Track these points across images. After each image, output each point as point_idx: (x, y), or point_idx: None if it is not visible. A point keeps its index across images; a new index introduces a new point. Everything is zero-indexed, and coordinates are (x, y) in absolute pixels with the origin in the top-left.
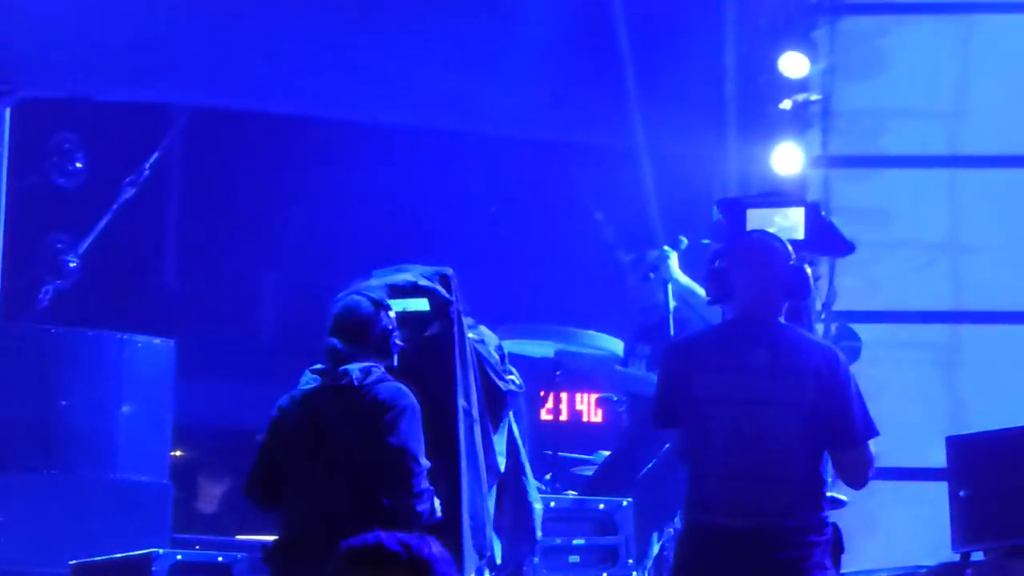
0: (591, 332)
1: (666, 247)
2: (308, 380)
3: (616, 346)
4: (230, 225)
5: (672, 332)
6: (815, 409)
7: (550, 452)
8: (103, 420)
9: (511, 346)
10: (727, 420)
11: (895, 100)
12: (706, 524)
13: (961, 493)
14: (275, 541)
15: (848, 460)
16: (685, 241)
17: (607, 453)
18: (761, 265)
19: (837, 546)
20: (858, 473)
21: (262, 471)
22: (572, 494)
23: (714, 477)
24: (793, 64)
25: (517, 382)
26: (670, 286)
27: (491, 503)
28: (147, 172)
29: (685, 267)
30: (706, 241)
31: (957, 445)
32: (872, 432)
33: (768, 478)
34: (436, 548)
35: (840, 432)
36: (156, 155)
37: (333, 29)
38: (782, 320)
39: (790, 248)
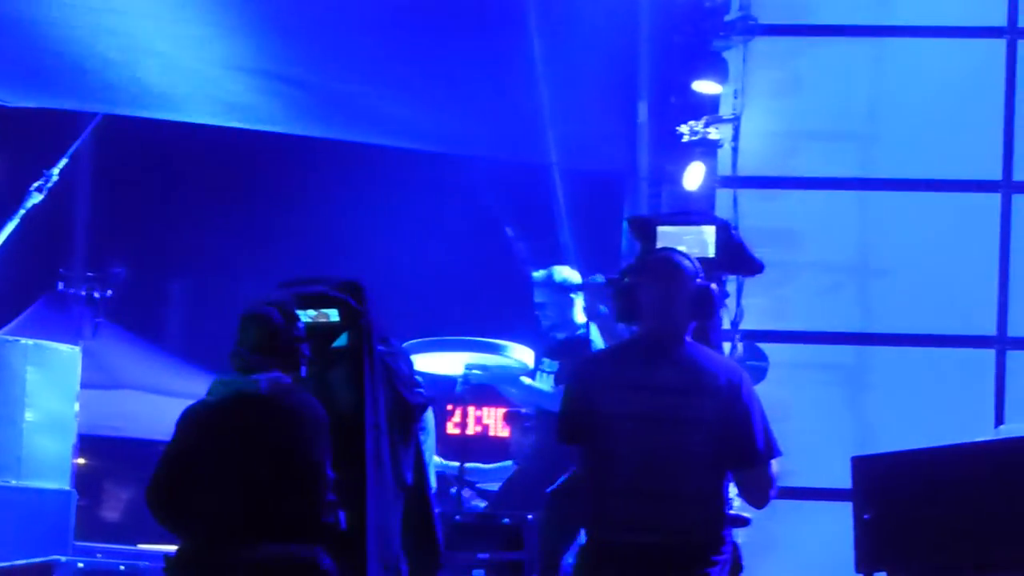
0: (501, 343)
1: (598, 276)
2: (216, 389)
3: (527, 356)
4: (138, 232)
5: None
6: (718, 427)
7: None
8: (6, 426)
9: (421, 361)
10: (632, 437)
11: (807, 121)
12: (608, 540)
13: (865, 515)
14: (178, 551)
15: (750, 479)
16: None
17: (509, 463)
18: (669, 283)
19: (736, 566)
20: (760, 492)
21: (165, 481)
22: (480, 504)
23: (617, 494)
24: (706, 84)
25: (426, 394)
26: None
27: (397, 516)
28: (55, 178)
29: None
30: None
31: (862, 466)
32: (774, 452)
33: (671, 495)
34: (329, 561)
35: (742, 451)
36: (64, 160)
37: (238, 38)
38: (688, 338)
39: (698, 266)
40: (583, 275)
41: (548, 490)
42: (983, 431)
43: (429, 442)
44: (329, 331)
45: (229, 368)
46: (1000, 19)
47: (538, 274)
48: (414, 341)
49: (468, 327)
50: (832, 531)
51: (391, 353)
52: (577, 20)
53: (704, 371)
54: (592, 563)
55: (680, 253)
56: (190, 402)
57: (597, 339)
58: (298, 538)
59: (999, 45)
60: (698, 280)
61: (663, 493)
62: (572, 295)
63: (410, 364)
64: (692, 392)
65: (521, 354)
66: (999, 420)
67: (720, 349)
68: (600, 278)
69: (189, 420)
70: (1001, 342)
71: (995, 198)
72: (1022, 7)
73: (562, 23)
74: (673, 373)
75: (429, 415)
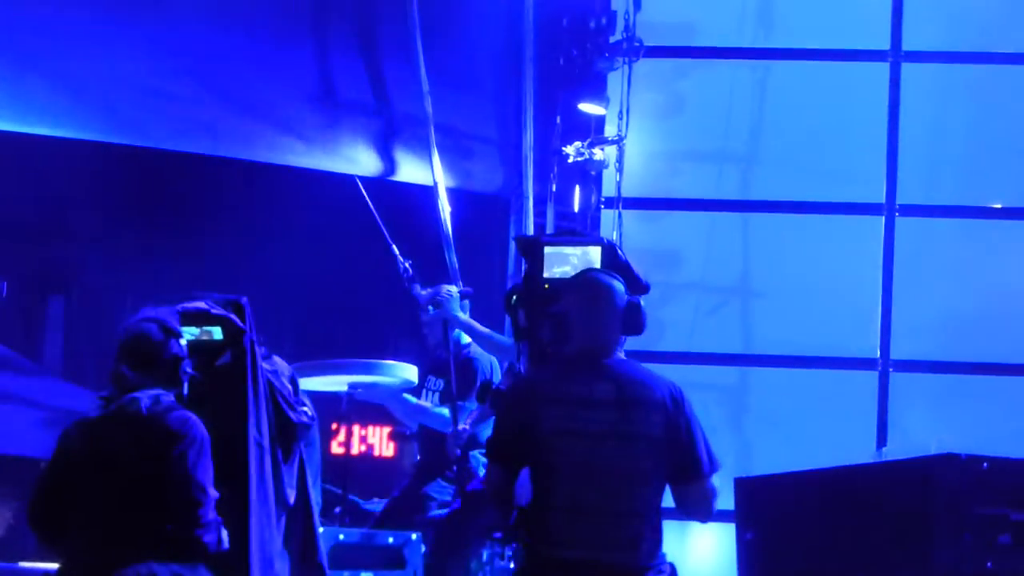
0: (384, 362)
1: (448, 286)
2: (96, 407)
3: (410, 372)
4: (17, 249)
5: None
6: (662, 442)
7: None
8: None
9: (304, 383)
10: (573, 454)
11: (691, 143)
12: (549, 557)
13: (747, 535)
14: (58, 570)
15: (693, 494)
16: (455, 290)
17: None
18: (602, 302)
19: None
20: (703, 507)
21: (45, 498)
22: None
23: (559, 510)
24: (590, 105)
25: (310, 413)
26: (454, 328)
27: (280, 535)
28: None
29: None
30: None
31: (744, 487)
32: (716, 466)
33: (612, 512)
34: None
35: (687, 465)
36: None
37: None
38: (621, 354)
39: (623, 285)
40: (467, 294)
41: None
42: (865, 453)
43: (314, 459)
44: (212, 349)
45: (110, 385)
46: (883, 42)
47: (423, 292)
48: (297, 365)
49: (354, 345)
50: (714, 552)
51: (274, 371)
52: (463, 40)
53: (644, 386)
54: None
55: (609, 273)
56: (71, 419)
57: (482, 357)
58: (180, 557)
59: (882, 68)
60: (627, 296)
61: (605, 509)
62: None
63: (295, 382)
64: (634, 407)
65: (404, 371)
66: (881, 442)
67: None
68: (453, 290)
69: (69, 438)
70: (883, 364)
71: (878, 221)
72: (905, 31)
73: (448, 43)
74: (614, 388)
75: (314, 432)
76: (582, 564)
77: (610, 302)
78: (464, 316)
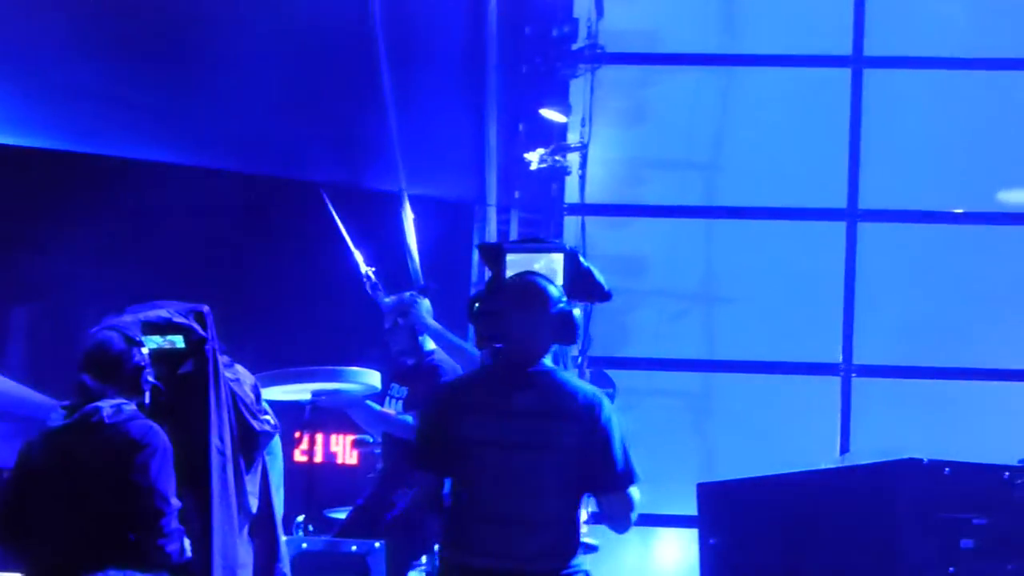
0: (349, 369)
1: (412, 293)
2: (57, 416)
3: (372, 379)
4: None
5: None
6: (576, 453)
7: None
8: None
9: (267, 393)
10: (489, 462)
11: (654, 150)
12: (462, 565)
13: (711, 540)
14: None
15: (611, 504)
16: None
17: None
18: (532, 307)
19: None
20: (621, 517)
21: (7, 508)
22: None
23: (473, 518)
24: (553, 112)
25: (272, 422)
26: (420, 333)
27: (242, 544)
28: None
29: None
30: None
31: (707, 492)
32: (634, 477)
33: (526, 521)
34: None
35: (603, 476)
36: None
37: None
38: (549, 363)
39: (561, 291)
40: (429, 288)
41: (392, 515)
42: (828, 458)
43: (277, 467)
44: (174, 358)
45: (72, 394)
46: (845, 48)
47: (387, 300)
48: (260, 375)
49: (317, 352)
50: (678, 557)
51: (237, 379)
52: (426, 47)
53: (565, 395)
54: None
55: (543, 278)
56: (32, 428)
57: (444, 357)
58: (143, 566)
59: (844, 74)
60: (560, 305)
61: (520, 518)
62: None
63: (257, 391)
64: (552, 417)
65: (368, 377)
66: (844, 447)
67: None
68: (416, 296)
69: (31, 447)
70: (846, 369)
71: (840, 226)
72: (867, 36)
73: (411, 51)
74: (533, 398)
75: (276, 441)
76: (493, 572)
77: (542, 309)
78: (433, 323)
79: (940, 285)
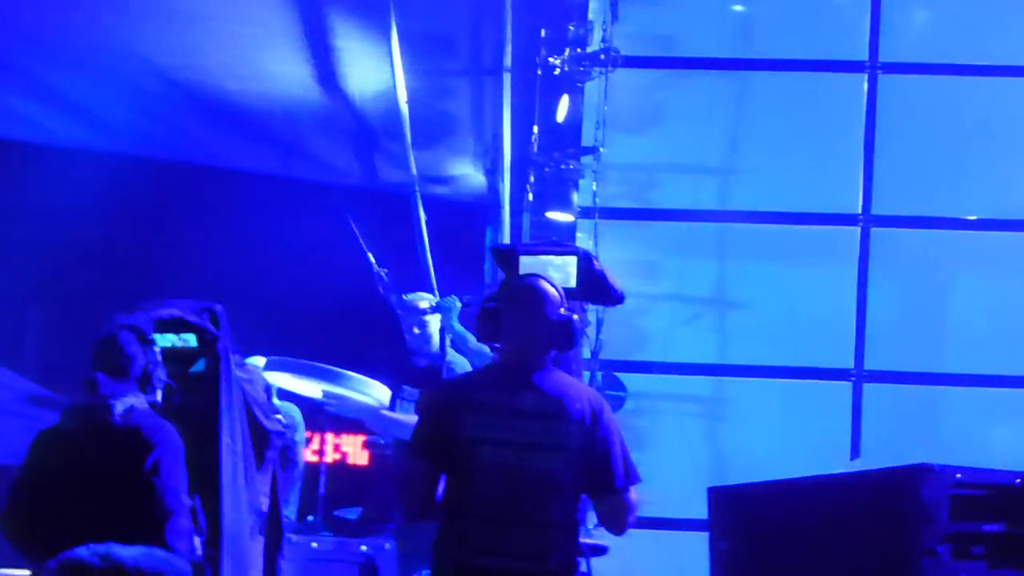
0: (359, 377)
1: (453, 297)
2: (68, 414)
3: (383, 394)
4: None
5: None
6: (578, 454)
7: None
8: None
9: (277, 380)
10: (490, 462)
11: (668, 154)
12: (462, 563)
13: (721, 545)
14: (32, 575)
15: (609, 506)
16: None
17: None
18: (531, 309)
19: None
20: (618, 519)
21: (19, 505)
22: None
23: (473, 517)
24: (568, 115)
25: (284, 421)
26: (448, 335)
27: (253, 542)
28: None
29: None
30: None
31: (718, 497)
32: (634, 479)
33: (526, 521)
34: None
35: (602, 478)
36: None
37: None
38: (550, 365)
39: (562, 295)
40: (448, 303)
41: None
42: (839, 463)
43: (295, 473)
44: (186, 356)
45: (84, 393)
46: (861, 53)
47: (405, 301)
48: (272, 360)
49: (330, 354)
50: (688, 561)
51: (248, 379)
52: (441, 48)
53: (564, 397)
54: None
55: (545, 281)
56: (44, 426)
57: (458, 361)
58: None
59: (860, 79)
60: (560, 310)
61: (520, 518)
62: (435, 324)
63: (268, 390)
64: (552, 418)
65: (377, 392)
66: (855, 453)
67: (580, 379)
68: (456, 301)
69: (41, 445)
70: (858, 375)
71: (854, 231)
72: (883, 41)
73: (426, 50)
74: (533, 398)
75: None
76: (493, 571)
77: (542, 311)
78: (460, 328)
79: (952, 292)
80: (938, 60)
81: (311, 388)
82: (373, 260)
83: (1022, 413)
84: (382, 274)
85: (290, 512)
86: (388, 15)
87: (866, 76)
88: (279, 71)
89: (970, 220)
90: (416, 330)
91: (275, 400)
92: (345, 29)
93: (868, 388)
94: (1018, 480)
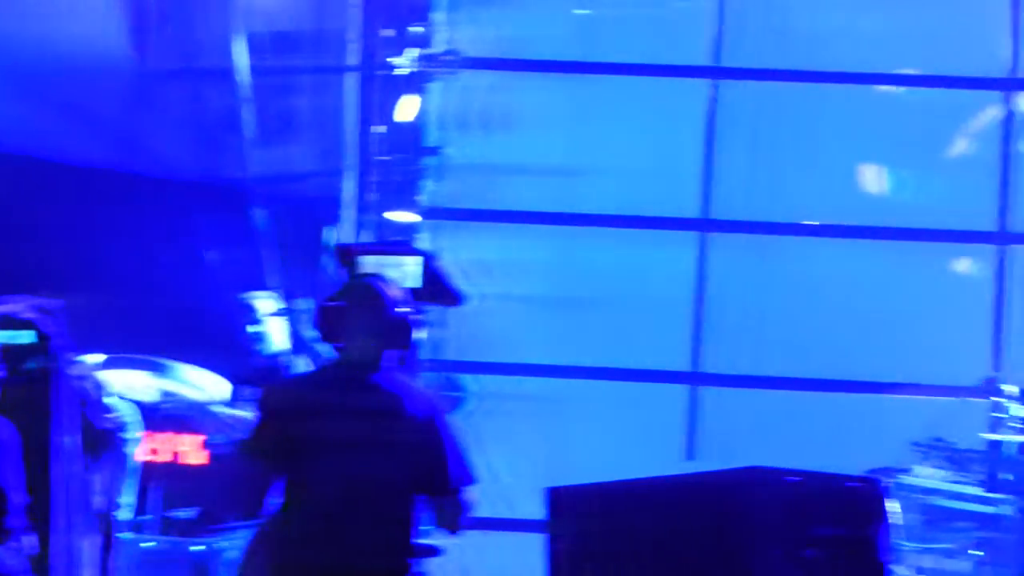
0: (197, 371)
1: (301, 300)
2: None
3: (221, 389)
4: None
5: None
6: (415, 454)
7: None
8: None
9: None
10: (326, 461)
11: (510, 155)
12: (298, 562)
13: (558, 545)
14: None
15: (445, 506)
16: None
17: None
18: (369, 310)
19: None
20: (454, 519)
21: None
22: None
23: (309, 516)
24: (409, 114)
25: (118, 420)
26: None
27: (85, 541)
28: None
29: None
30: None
31: (555, 497)
32: (470, 479)
33: (361, 521)
34: None
35: (438, 478)
36: None
37: None
38: (386, 365)
39: (400, 295)
40: (288, 300)
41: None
42: (675, 465)
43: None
44: (20, 353)
45: None
46: (704, 59)
47: (244, 298)
48: (111, 355)
49: (169, 351)
50: (525, 562)
51: (82, 376)
52: (285, 44)
53: (403, 397)
54: None
55: (384, 281)
56: None
57: (301, 365)
58: None
59: (702, 85)
60: (401, 310)
61: (355, 518)
62: (275, 322)
63: (99, 389)
64: (388, 418)
65: (215, 386)
66: (690, 454)
67: (419, 379)
68: (302, 303)
69: None
70: (694, 378)
71: (693, 236)
72: (725, 47)
73: (268, 47)
74: (370, 398)
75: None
76: (331, 570)
77: (379, 312)
78: (306, 331)
79: (789, 296)
80: (779, 67)
81: (149, 384)
82: (213, 258)
83: (857, 417)
84: (224, 273)
85: (124, 511)
86: (231, 8)
87: (708, 81)
88: (99, 46)
89: (810, 225)
90: (255, 329)
91: (110, 398)
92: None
93: (704, 391)
94: (851, 484)
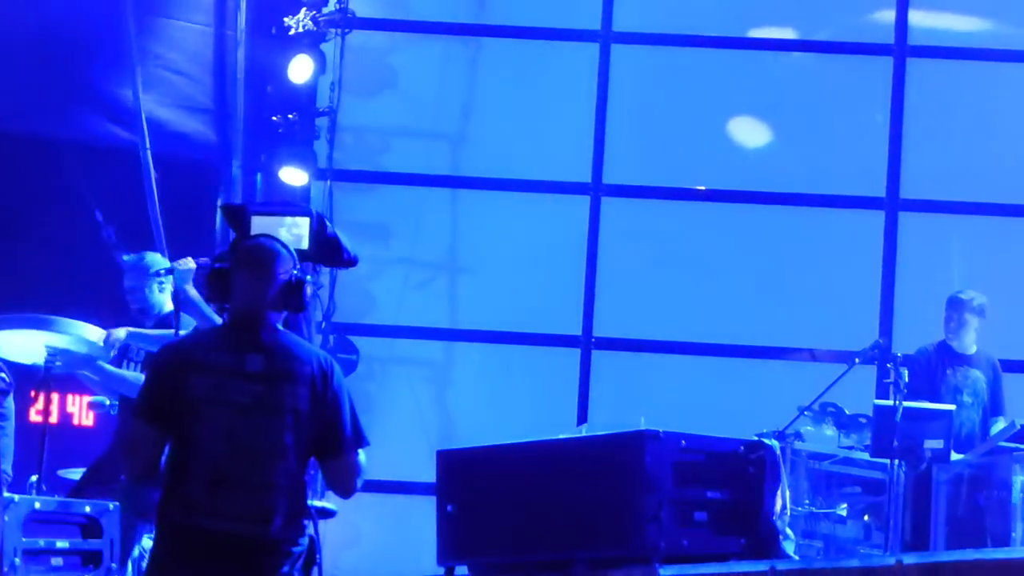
0: (81, 323)
1: (188, 259)
2: None
3: (95, 334)
4: None
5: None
6: (305, 416)
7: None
8: None
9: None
10: (216, 423)
11: (401, 118)
12: (185, 525)
13: (448, 507)
14: None
15: (336, 469)
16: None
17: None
18: (261, 270)
19: (311, 559)
20: (346, 482)
21: None
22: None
23: (198, 479)
24: (301, 75)
25: (7, 380)
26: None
27: None
28: None
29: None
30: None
31: (447, 460)
32: (362, 442)
33: (252, 484)
34: None
35: (330, 440)
36: None
37: None
38: (279, 326)
39: (293, 256)
40: (177, 260)
41: (123, 478)
42: (567, 429)
43: (8, 428)
44: None
45: None
46: (595, 23)
47: (127, 258)
48: None
49: (57, 311)
50: (416, 524)
51: None
52: (175, 6)
53: (293, 358)
54: (168, 547)
55: (276, 241)
56: None
57: (187, 322)
58: None
59: (592, 49)
60: (291, 271)
61: (245, 481)
62: (161, 280)
63: None
64: (280, 379)
65: (96, 334)
66: (582, 418)
67: (312, 340)
68: (190, 262)
69: None
70: (585, 342)
71: (584, 200)
72: (616, 13)
73: (160, 9)
74: (261, 360)
75: (9, 401)
76: (214, 534)
77: (271, 273)
78: (192, 291)
79: (679, 260)
80: (669, 31)
81: (35, 342)
82: (100, 217)
83: (746, 381)
84: (109, 232)
85: (7, 469)
86: None
87: (599, 45)
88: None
89: (699, 190)
90: (142, 290)
91: None
92: None
93: (596, 355)
94: (741, 448)
